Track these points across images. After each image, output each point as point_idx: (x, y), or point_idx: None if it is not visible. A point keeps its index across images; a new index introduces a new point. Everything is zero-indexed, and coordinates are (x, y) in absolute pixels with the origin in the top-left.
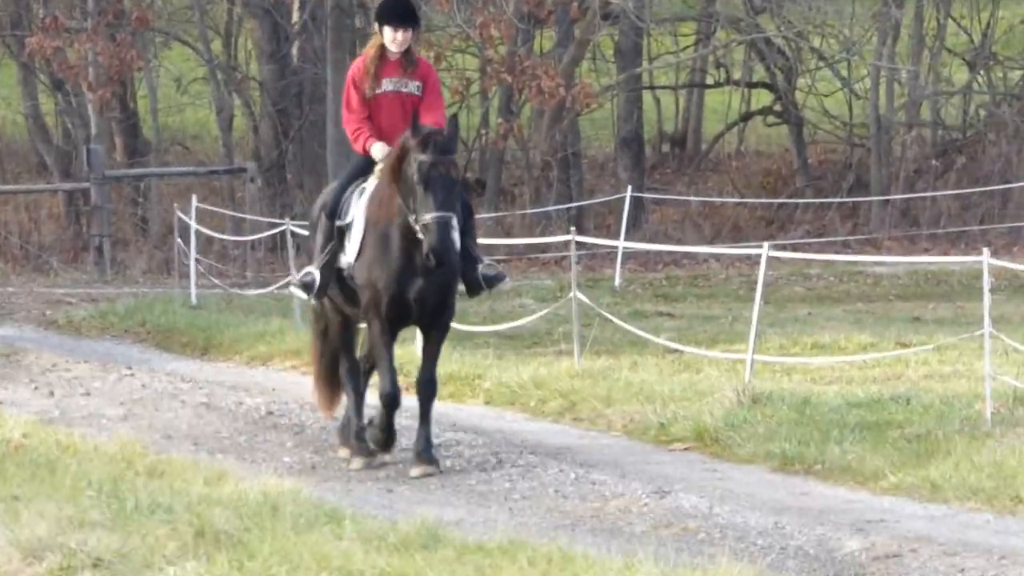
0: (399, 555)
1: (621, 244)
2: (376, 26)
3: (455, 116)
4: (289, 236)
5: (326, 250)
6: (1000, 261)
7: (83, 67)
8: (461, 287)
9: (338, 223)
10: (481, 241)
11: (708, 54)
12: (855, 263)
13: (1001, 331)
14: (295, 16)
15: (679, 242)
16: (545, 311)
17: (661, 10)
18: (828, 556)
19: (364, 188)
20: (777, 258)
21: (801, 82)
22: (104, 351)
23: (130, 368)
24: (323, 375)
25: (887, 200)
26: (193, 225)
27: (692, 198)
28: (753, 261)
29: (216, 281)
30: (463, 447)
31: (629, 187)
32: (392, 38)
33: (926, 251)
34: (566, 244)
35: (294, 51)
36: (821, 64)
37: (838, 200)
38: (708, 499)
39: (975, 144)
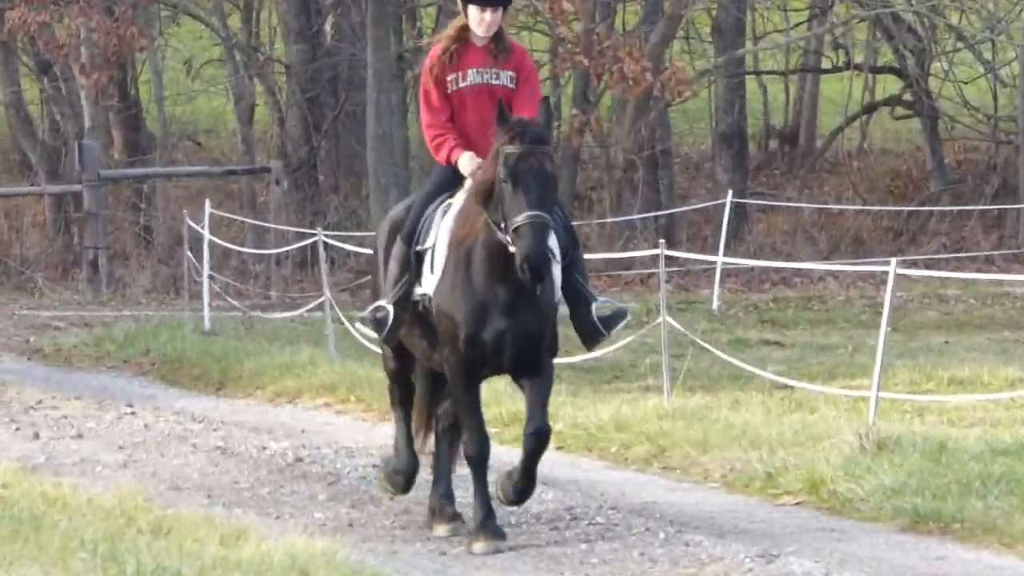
0: None
1: (720, 259)
2: (459, 4)
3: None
4: (322, 249)
5: (401, 281)
6: None
7: (74, 46)
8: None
9: (417, 248)
10: None
11: (825, 33)
12: (1001, 283)
13: None
14: None
15: (789, 257)
16: (629, 339)
17: None
18: None
19: (450, 205)
20: (907, 276)
21: (936, 67)
22: (99, 385)
23: (131, 406)
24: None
25: None
26: (206, 236)
27: (805, 205)
28: (879, 280)
29: (234, 302)
30: (531, 501)
31: (729, 191)
32: (479, 19)
33: None
34: (654, 259)
35: (327, 28)
36: (960, 45)
37: (980, 208)
38: (824, 564)
39: None
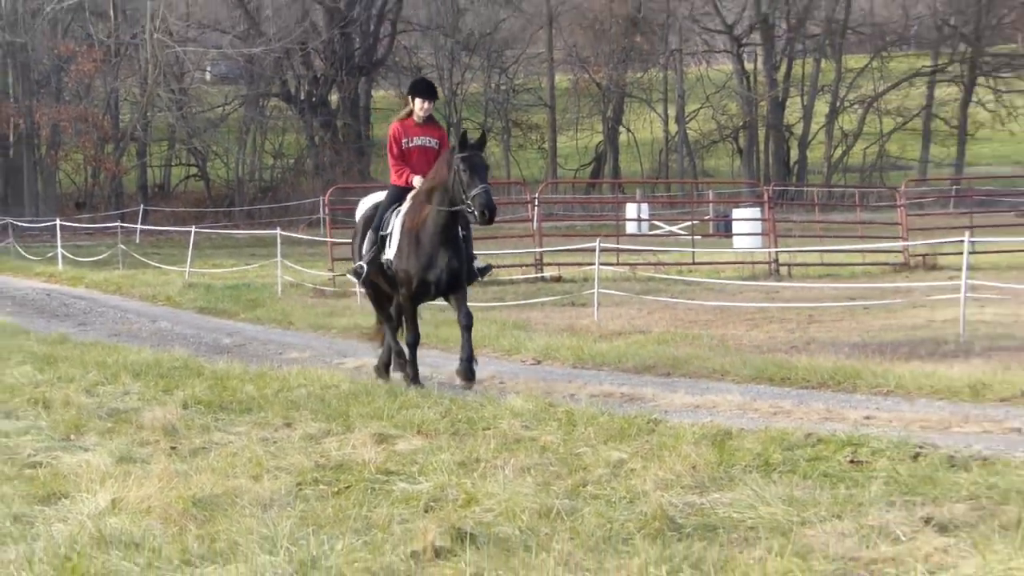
0: (54, 347)
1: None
2: (409, 98)
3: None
4: (120, 227)
5: (372, 251)
6: None
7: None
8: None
9: (381, 233)
10: None
11: None
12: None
13: None
14: None
15: None
16: None
17: None
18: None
19: (400, 209)
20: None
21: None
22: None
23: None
24: (379, 327)
25: None
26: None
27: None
28: None
29: (86, 242)
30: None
31: None
32: (421, 106)
33: None
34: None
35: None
36: None
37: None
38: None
39: None
